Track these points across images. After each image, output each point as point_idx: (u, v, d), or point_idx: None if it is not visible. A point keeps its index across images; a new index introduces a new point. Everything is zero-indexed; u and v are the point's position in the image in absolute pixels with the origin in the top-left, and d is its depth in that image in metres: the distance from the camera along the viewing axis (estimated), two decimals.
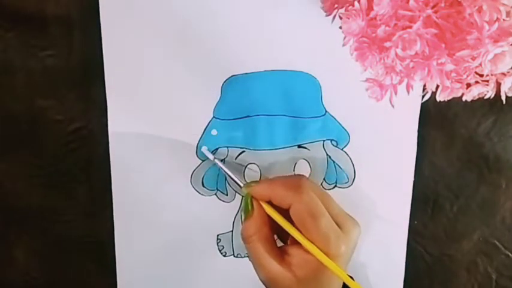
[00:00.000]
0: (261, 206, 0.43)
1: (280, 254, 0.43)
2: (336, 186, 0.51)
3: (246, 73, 0.47)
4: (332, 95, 0.48)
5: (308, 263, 0.41)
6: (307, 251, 0.41)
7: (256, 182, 0.45)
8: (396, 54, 0.37)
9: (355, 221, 0.43)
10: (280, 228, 0.43)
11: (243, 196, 0.46)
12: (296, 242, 0.42)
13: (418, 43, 0.36)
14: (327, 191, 0.50)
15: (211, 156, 0.48)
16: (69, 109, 0.48)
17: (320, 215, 0.41)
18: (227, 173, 0.47)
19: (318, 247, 0.41)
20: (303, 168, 0.50)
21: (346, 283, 0.41)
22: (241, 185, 0.45)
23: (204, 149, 0.48)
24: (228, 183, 0.50)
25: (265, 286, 0.44)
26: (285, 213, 0.43)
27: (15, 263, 0.51)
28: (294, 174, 0.43)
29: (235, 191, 0.50)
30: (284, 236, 0.45)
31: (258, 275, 0.44)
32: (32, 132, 0.48)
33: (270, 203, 0.44)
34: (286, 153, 0.49)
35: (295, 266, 0.41)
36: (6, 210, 0.50)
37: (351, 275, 0.43)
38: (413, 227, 0.51)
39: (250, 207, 0.43)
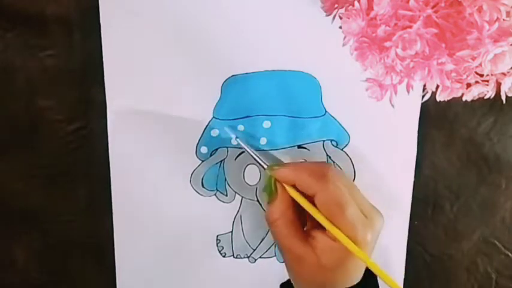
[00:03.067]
0: (284, 189, 0.43)
1: (305, 237, 0.43)
2: None
3: (246, 73, 0.47)
4: (332, 95, 0.48)
5: (333, 250, 0.41)
6: (332, 238, 0.41)
7: (280, 165, 0.45)
8: (396, 54, 0.37)
9: (379, 211, 0.43)
10: (301, 211, 0.43)
11: (266, 180, 0.45)
12: (319, 227, 0.42)
13: (418, 43, 0.36)
14: None
15: (233, 135, 0.48)
16: (69, 109, 0.48)
17: (346, 205, 0.40)
18: (250, 152, 0.46)
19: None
20: None
21: (373, 270, 0.41)
22: (265, 166, 0.45)
23: (227, 129, 0.48)
24: (228, 184, 0.50)
25: (289, 270, 0.44)
26: (307, 197, 0.43)
27: (15, 263, 0.51)
28: (319, 162, 0.43)
29: (235, 192, 0.50)
30: (302, 218, 0.45)
31: (283, 257, 0.44)
32: (32, 132, 0.48)
33: (294, 186, 0.43)
34: (286, 153, 0.49)
35: (319, 251, 0.41)
36: (6, 210, 0.50)
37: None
38: (413, 227, 0.51)
39: (274, 190, 0.43)
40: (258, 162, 0.46)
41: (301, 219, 0.44)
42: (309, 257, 0.42)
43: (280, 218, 0.43)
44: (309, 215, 0.43)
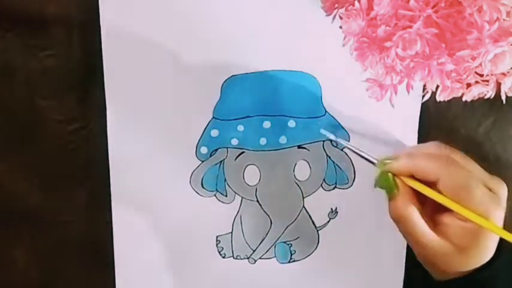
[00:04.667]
0: (403, 181, 0.41)
1: (433, 225, 0.41)
2: (336, 187, 0.50)
3: (246, 73, 0.47)
4: (332, 95, 0.48)
5: (465, 230, 0.39)
6: (463, 219, 0.39)
7: (391, 158, 0.42)
8: (396, 54, 0.37)
9: (499, 179, 0.41)
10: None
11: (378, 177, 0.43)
12: (442, 212, 0.41)
13: (418, 43, 0.36)
14: (329, 192, 0.50)
15: (332, 136, 0.47)
16: (69, 109, 0.48)
17: (472, 185, 0.39)
18: (356, 151, 0.45)
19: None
20: (302, 169, 0.50)
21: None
22: (375, 162, 0.43)
23: (323, 131, 0.48)
24: (228, 184, 0.50)
25: (424, 262, 0.43)
26: (427, 185, 0.41)
27: (15, 263, 0.51)
28: (429, 144, 0.41)
29: (235, 192, 0.50)
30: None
31: (416, 252, 0.43)
32: (32, 132, 0.48)
33: (411, 177, 0.41)
34: (286, 153, 0.49)
35: (452, 236, 0.40)
36: (6, 210, 0.50)
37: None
38: None
39: (394, 185, 0.41)
40: (366, 159, 0.44)
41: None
42: (444, 243, 0.40)
43: (407, 212, 0.41)
44: (426, 202, 0.42)
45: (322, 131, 0.48)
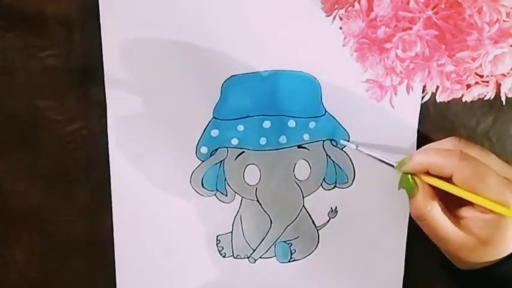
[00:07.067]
0: (422, 180, 0.42)
1: (456, 220, 0.41)
2: (335, 186, 0.51)
3: (246, 73, 0.47)
4: (332, 95, 0.48)
5: (489, 222, 0.40)
6: (483, 211, 0.40)
7: (407, 158, 0.43)
8: (396, 55, 0.37)
9: None
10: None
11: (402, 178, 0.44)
12: (465, 205, 0.41)
13: (418, 44, 0.36)
14: (329, 191, 0.50)
15: (353, 146, 0.48)
16: (69, 109, 0.48)
17: (487, 175, 0.39)
18: (374, 156, 0.46)
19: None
20: (302, 169, 0.50)
21: None
22: (394, 164, 0.44)
23: (343, 141, 0.49)
24: (228, 184, 0.50)
25: (451, 257, 0.43)
26: (443, 180, 0.42)
27: (15, 263, 0.51)
28: (443, 140, 0.42)
29: (235, 192, 0.50)
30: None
31: (440, 246, 0.43)
32: (32, 132, 0.48)
33: (427, 173, 0.42)
34: (286, 153, 0.49)
35: (475, 229, 0.40)
36: (6, 210, 0.50)
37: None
38: (414, 226, 0.51)
39: (414, 185, 0.42)
40: (385, 162, 0.45)
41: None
42: (466, 237, 0.40)
43: (429, 210, 0.41)
44: (448, 198, 0.42)
45: (343, 142, 0.49)
